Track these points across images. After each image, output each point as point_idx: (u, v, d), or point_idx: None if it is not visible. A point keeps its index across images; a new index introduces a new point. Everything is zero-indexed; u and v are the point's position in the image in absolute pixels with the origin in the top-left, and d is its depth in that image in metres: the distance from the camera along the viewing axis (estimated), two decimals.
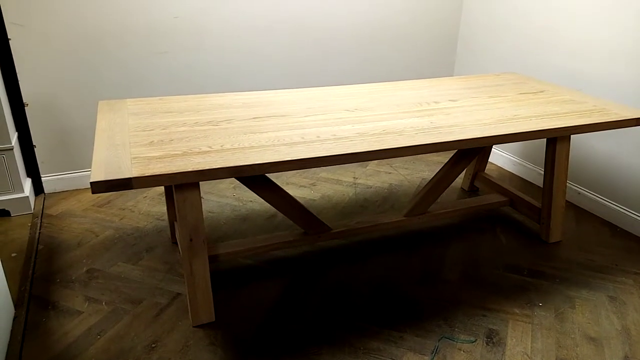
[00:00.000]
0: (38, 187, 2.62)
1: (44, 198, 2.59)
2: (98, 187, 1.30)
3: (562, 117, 1.95)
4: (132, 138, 1.61)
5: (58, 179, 2.64)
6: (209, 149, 1.53)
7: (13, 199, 2.42)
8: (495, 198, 2.44)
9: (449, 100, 2.11)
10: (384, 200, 2.65)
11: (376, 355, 1.60)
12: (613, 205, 2.44)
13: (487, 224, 2.43)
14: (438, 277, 2.02)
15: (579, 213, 2.55)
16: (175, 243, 2.21)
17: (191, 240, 1.62)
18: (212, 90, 2.80)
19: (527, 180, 2.93)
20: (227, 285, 1.94)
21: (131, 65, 2.58)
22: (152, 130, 1.68)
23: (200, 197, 1.55)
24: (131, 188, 1.33)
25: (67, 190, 2.67)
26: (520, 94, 2.24)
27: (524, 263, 2.12)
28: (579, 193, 2.61)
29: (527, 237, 2.32)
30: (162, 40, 2.59)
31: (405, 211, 2.25)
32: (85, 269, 2.02)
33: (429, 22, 3.17)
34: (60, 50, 2.43)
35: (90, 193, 2.53)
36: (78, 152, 2.64)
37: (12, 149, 2.34)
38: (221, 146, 1.56)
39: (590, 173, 2.55)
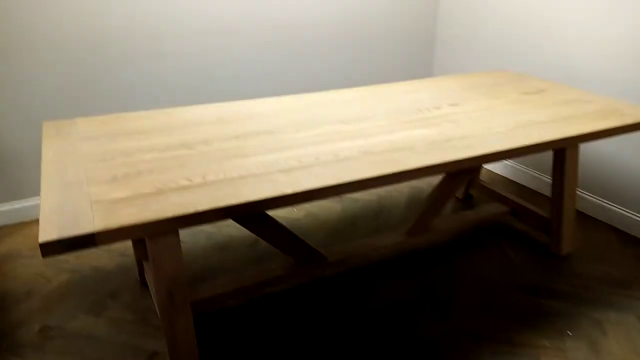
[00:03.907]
0: None
1: None
2: (50, 249, 0.99)
3: (578, 120, 1.75)
4: (90, 172, 1.29)
5: None
6: (188, 183, 1.24)
7: None
8: (496, 208, 2.24)
9: (450, 104, 1.88)
10: (376, 215, 2.41)
11: None
12: (618, 209, 2.29)
13: (490, 237, 2.23)
14: (451, 306, 1.79)
15: (582, 219, 2.39)
16: (145, 284, 1.89)
17: (171, 295, 1.32)
18: (176, 102, 2.47)
19: (521, 185, 2.76)
20: (212, 335, 1.65)
21: (78, 75, 2.23)
22: (113, 159, 1.37)
23: (179, 243, 1.25)
24: (94, 246, 1.03)
25: (10, 225, 2.29)
26: (522, 94, 2.04)
27: (540, 282, 1.92)
28: (580, 197, 2.46)
29: (536, 250, 2.13)
30: (114, 46, 2.25)
31: (405, 230, 2.02)
32: (37, 327, 1.68)
33: (404, 19, 2.95)
34: None
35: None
36: (20, 177, 2.27)
37: None
38: (203, 178, 1.27)
39: (591, 175, 2.39)
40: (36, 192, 2.32)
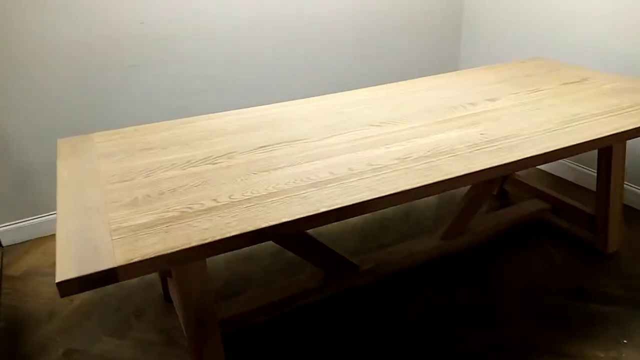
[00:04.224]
0: None
1: (2, 253, 2.15)
2: (69, 288, 0.90)
3: (631, 112, 1.61)
4: (109, 194, 1.20)
5: (17, 228, 2.20)
6: (214, 204, 1.14)
7: None
8: (536, 205, 2.11)
9: (486, 99, 1.75)
10: (406, 215, 2.29)
11: None
12: None
13: (529, 236, 2.10)
14: (494, 314, 1.68)
15: (629, 213, 2.25)
16: (169, 300, 1.81)
17: (199, 321, 1.23)
18: (194, 110, 2.37)
19: (557, 177, 2.61)
20: (240, 353, 1.56)
21: (92, 86, 2.14)
22: (132, 179, 1.28)
23: (206, 268, 1.16)
24: (116, 281, 0.94)
25: (29, 241, 2.23)
26: (563, 84, 1.90)
27: (587, 284, 1.80)
28: (626, 189, 2.31)
29: (579, 248, 2.00)
30: (127, 54, 2.15)
31: (439, 233, 1.90)
32: (61, 350, 1.61)
33: (428, 10, 2.80)
34: (4, 72, 1.98)
35: None
36: (38, 193, 2.20)
37: None
38: (230, 197, 1.17)
39: (638, 165, 2.24)
40: (54, 207, 2.24)
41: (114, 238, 1.02)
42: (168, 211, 1.12)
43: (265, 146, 1.45)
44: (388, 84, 1.96)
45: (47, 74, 2.04)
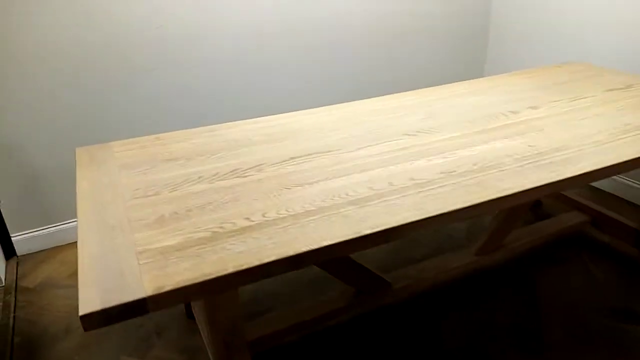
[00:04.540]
0: (8, 250, 2.10)
1: (17, 263, 2.08)
2: (94, 321, 0.81)
3: None
4: (132, 211, 1.12)
5: (33, 237, 2.13)
6: (247, 223, 1.05)
7: None
8: (575, 218, 2.00)
9: (528, 107, 1.65)
10: (437, 228, 2.18)
11: None
12: None
13: (569, 251, 1.99)
14: (537, 337, 1.57)
15: None
16: (192, 318, 1.73)
17: (228, 347, 1.14)
18: (213, 117, 2.29)
19: (594, 187, 2.50)
20: None
21: (109, 90, 2.06)
22: (157, 193, 1.19)
23: (238, 294, 1.07)
24: (145, 312, 0.85)
25: (45, 250, 2.16)
26: (607, 90, 1.79)
27: (633, 304, 1.69)
28: None
29: (622, 264, 1.89)
30: (144, 58, 2.08)
31: (474, 248, 1.80)
32: None
33: (453, 11, 2.69)
34: (15, 75, 1.91)
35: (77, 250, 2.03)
36: (55, 200, 2.12)
37: None
38: (263, 215, 1.08)
39: None
40: (70, 215, 2.17)
41: (141, 262, 0.93)
42: (198, 231, 1.03)
43: (294, 157, 1.35)
44: (416, 90, 1.86)
45: (57, 78, 1.97)
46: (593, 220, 2.00)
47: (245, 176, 1.26)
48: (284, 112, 1.68)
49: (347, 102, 1.75)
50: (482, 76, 2.90)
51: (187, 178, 1.26)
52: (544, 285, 1.80)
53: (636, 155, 1.29)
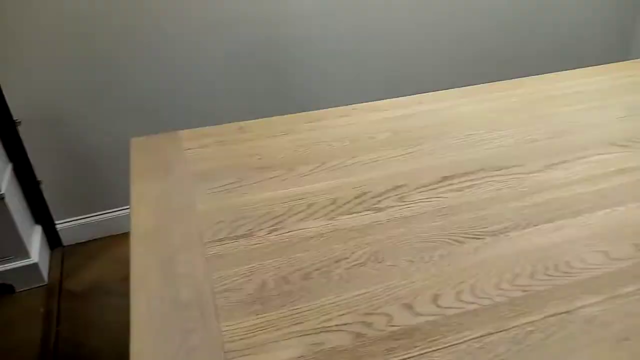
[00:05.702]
0: (53, 239, 1.78)
1: (63, 256, 1.76)
2: None
3: None
4: (215, 269, 0.70)
5: (80, 225, 1.79)
6: (414, 319, 0.61)
7: (16, 268, 1.59)
8: None
9: None
10: None
11: None
12: None
13: None
14: None
15: None
16: None
17: None
18: (306, 104, 1.83)
19: None
20: None
21: (169, 58, 1.64)
22: (251, 233, 0.77)
23: None
24: None
25: (94, 240, 1.82)
26: None
27: None
28: None
29: None
30: (218, 31, 1.63)
31: None
32: None
33: None
34: (60, 46, 1.51)
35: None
36: (104, 183, 1.77)
37: (3, 198, 1.48)
38: (434, 301, 0.64)
39: None
40: (124, 202, 1.81)
41: None
42: (326, 327, 0.60)
43: (448, 177, 0.89)
44: (577, 70, 1.32)
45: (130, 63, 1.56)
46: None
47: (382, 209, 0.81)
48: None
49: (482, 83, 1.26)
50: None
51: (292, 206, 0.83)
52: None
53: None
